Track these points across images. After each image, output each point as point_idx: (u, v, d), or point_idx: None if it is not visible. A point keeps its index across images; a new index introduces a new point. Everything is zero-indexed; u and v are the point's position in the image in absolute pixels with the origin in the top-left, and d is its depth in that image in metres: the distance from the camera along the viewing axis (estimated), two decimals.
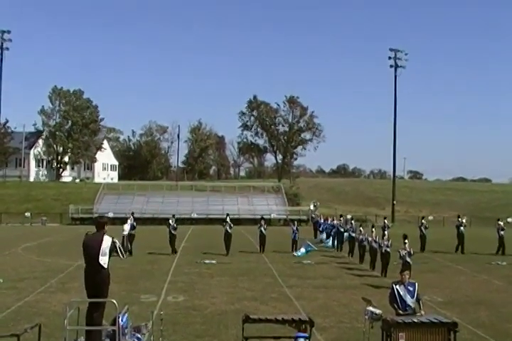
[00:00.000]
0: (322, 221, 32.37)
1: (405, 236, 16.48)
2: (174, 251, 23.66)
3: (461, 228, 25.52)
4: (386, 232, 19.63)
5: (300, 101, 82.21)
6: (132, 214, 26.29)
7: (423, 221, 26.80)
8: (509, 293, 15.37)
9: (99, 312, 7.61)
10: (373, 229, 20.27)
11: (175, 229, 24.02)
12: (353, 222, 25.13)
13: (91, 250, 7.67)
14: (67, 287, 14.89)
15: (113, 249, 7.73)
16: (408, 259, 15.88)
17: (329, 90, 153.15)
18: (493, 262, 21.95)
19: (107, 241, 7.72)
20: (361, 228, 22.15)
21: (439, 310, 12.28)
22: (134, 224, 24.31)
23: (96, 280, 7.60)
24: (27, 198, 54.93)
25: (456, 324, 8.19)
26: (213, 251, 23.77)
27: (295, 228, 25.21)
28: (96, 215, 42.96)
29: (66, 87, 77.20)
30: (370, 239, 19.68)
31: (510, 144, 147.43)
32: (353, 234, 23.12)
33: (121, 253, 7.86)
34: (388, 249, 17.86)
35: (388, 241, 18.04)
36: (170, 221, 24.48)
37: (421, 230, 25.73)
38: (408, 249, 16.09)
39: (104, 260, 7.63)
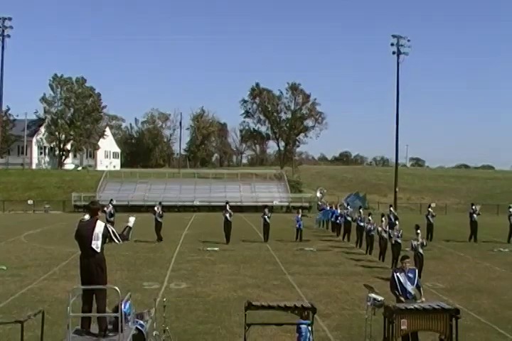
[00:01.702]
0: (328, 208, 32.19)
1: (417, 227, 15.79)
2: (160, 239, 23.23)
3: (474, 216, 25.05)
4: (397, 222, 19.15)
5: (302, 88, 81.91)
6: (111, 201, 26.08)
7: (429, 209, 25.80)
8: (511, 281, 15.37)
9: (100, 298, 7.59)
10: (383, 219, 19.26)
11: (161, 216, 23.52)
12: (361, 210, 24.24)
13: (84, 235, 7.64)
14: (70, 274, 14.93)
15: (106, 234, 7.68)
16: (421, 250, 15.25)
17: (332, 77, 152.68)
18: (495, 249, 21.93)
19: (99, 226, 7.68)
20: (370, 217, 21.13)
21: (441, 297, 12.33)
22: (112, 211, 24.26)
23: (90, 265, 7.57)
24: (29, 186, 54.97)
25: (458, 310, 8.20)
26: (216, 239, 23.73)
27: (299, 216, 24.67)
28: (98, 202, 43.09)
29: (69, 74, 76.93)
30: (379, 228, 18.79)
31: None
32: (361, 224, 22.30)
33: (116, 237, 7.76)
34: (399, 240, 17.15)
35: (399, 231, 17.30)
36: (155, 208, 23.87)
37: (428, 219, 25.13)
38: (421, 240, 15.37)
39: (96, 244, 7.58)
